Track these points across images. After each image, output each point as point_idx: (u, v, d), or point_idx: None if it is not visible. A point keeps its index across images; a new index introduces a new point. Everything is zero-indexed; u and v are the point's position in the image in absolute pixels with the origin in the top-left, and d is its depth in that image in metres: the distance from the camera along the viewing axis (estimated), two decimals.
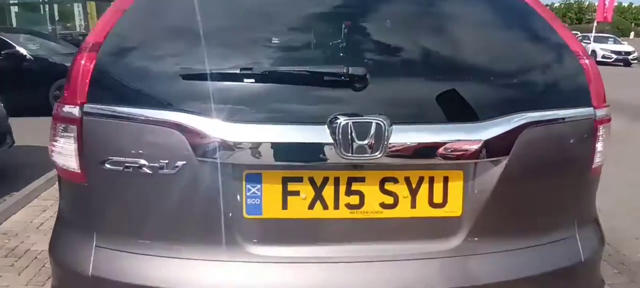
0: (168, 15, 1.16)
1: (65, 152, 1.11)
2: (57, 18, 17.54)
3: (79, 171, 1.11)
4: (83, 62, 1.08)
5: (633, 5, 76.77)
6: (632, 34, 55.08)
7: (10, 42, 6.60)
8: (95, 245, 1.13)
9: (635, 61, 20.81)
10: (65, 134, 1.10)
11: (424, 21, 1.25)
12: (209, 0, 1.18)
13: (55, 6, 18.06)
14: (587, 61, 1.25)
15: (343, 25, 1.18)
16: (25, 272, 2.56)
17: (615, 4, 23.40)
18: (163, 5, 1.18)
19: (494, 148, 1.13)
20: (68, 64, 6.10)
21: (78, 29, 23.06)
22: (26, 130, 4.80)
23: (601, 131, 1.24)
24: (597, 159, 1.26)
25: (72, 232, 1.19)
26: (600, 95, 1.24)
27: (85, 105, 1.08)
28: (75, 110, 1.08)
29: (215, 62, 1.07)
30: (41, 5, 17.82)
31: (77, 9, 24.23)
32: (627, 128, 7.20)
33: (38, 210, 3.37)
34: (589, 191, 1.33)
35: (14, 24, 15.11)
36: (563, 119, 1.20)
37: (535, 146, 1.16)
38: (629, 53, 20.63)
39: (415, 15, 1.25)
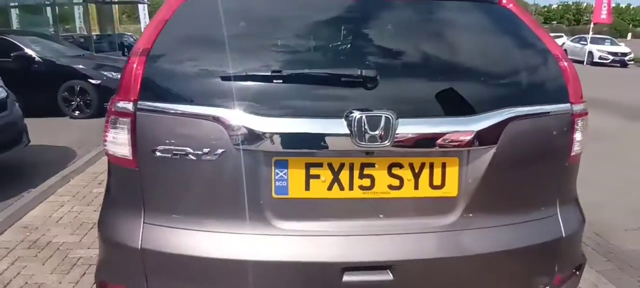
0: (204, 26, 1.34)
1: (119, 142, 1.28)
2: (58, 20, 17.63)
3: (131, 158, 1.28)
4: (135, 65, 1.26)
5: (631, 7, 77.03)
6: (629, 35, 55.31)
7: (19, 44, 6.74)
8: (144, 222, 1.31)
9: (632, 62, 20.96)
10: (120, 126, 1.27)
11: (424, 29, 1.43)
12: (242, 12, 1.36)
13: (57, 8, 18.13)
14: (565, 63, 1.43)
15: (355, 35, 1.37)
16: (48, 261, 2.72)
17: (613, 5, 23.65)
18: (198, 17, 1.35)
19: (484, 138, 1.30)
20: (75, 66, 6.39)
21: (78, 31, 23.14)
22: (37, 130, 4.97)
23: (579, 124, 1.42)
24: (576, 148, 1.44)
25: (122, 211, 1.35)
26: (577, 93, 1.42)
27: (137, 102, 1.25)
28: (129, 106, 1.25)
29: (248, 65, 1.25)
30: (43, 8, 17.89)
31: (78, 11, 24.29)
32: (621, 127, 7.39)
33: (56, 206, 3.53)
34: (569, 176, 1.50)
35: (15, 26, 15.18)
36: (545, 113, 1.37)
37: (520, 136, 1.33)
38: (625, 54, 20.77)
39: (417, 24, 1.42)
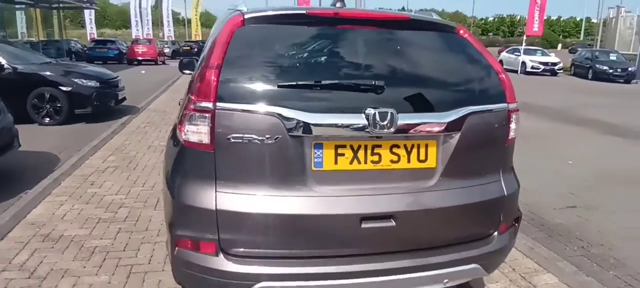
0: (255, 46, 1.80)
1: (201, 132, 1.70)
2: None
3: (209, 143, 1.71)
4: (213, 78, 1.70)
5: (561, 19, 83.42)
6: (559, 45, 60.07)
7: None
8: (216, 191, 1.73)
9: (561, 71, 23.12)
10: (202, 120, 1.69)
11: (411, 51, 1.98)
12: (281, 39, 1.86)
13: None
14: (503, 76, 2.04)
15: (366, 56, 1.91)
16: (67, 251, 2.99)
17: (544, 18, 26.02)
18: (250, 40, 1.82)
19: (452, 127, 1.85)
20: (44, 73, 6.64)
21: (20, 37, 21.98)
22: None
23: (513, 117, 2.02)
24: (511, 134, 2.04)
25: (198, 183, 1.75)
26: (512, 96, 2.03)
27: (216, 102, 1.68)
28: (210, 105, 1.68)
29: (292, 77, 1.73)
30: None
31: (20, 16, 23.04)
32: (550, 127, 8.50)
33: (56, 205, 3.75)
34: (507, 154, 2.09)
35: None
36: (491, 110, 1.96)
37: (475, 126, 1.89)
38: (555, 64, 22.82)
39: (407, 48, 1.97)
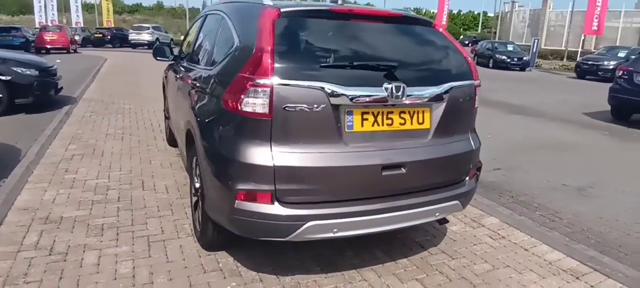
0: (294, 33, 2.24)
1: (261, 103, 2.09)
2: None
3: (268, 112, 2.10)
4: (269, 59, 2.09)
5: (461, 13, 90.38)
6: (461, 37, 65.85)
7: None
8: (272, 150, 2.14)
9: None
10: (262, 93, 2.08)
11: (409, 39, 2.55)
12: (317, 27, 2.30)
13: None
14: (469, 59, 2.70)
15: (381, 44, 2.44)
16: (75, 230, 3.10)
17: (446, 13, 28.62)
18: (289, 28, 2.24)
19: (440, 97, 2.45)
20: None
21: None
22: None
23: (477, 91, 2.69)
24: (476, 103, 2.70)
25: (257, 145, 2.12)
26: (476, 75, 2.68)
27: (272, 78, 2.08)
28: (268, 80, 2.07)
29: (330, 58, 2.19)
30: None
31: None
32: None
33: (40, 191, 3.73)
34: (473, 118, 2.74)
35: None
36: (464, 85, 2.60)
37: (454, 96, 2.51)
38: None
39: (406, 37, 2.54)
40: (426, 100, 2.41)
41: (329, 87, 2.16)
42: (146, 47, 28.77)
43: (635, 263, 3.07)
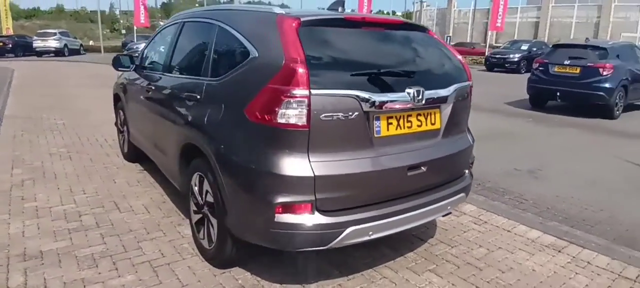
0: (319, 42, 2.25)
1: (298, 114, 2.06)
2: None
3: (306, 123, 2.08)
4: (303, 69, 2.07)
5: (372, 12, 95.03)
6: None
7: None
8: (310, 160, 2.12)
9: None
10: (299, 104, 2.05)
11: (412, 47, 2.68)
12: (338, 35, 2.33)
13: None
14: (463, 62, 2.92)
15: (399, 52, 2.54)
16: (64, 264, 2.77)
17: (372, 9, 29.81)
18: (312, 38, 2.25)
19: (448, 98, 2.63)
20: None
21: None
22: None
23: (471, 90, 2.92)
24: (470, 102, 2.94)
25: (296, 157, 2.10)
26: (470, 75, 2.92)
27: (310, 89, 2.06)
28: (305, 91, 2.05)
29: (359, 66, 2.24)
30: None
31: None
32: None
33: (3, 225, 3.28)
34: (468, 116, 2.97)
35: None
36: (464, 85, 2.80)
37: (457, 97, 2.69)
38: None
39: (410, 45, 2.67)
40: (439, 101, 2.57)
41: (362, 95, 2.22)
42: (53, 54, 26.12)
43: (601, 233, 3.53)
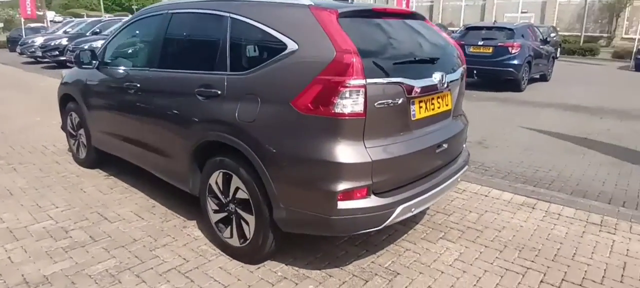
0: (358, 32, 2.32)
1: (356, 103, 2.13)
2: None
3: (363, 112, 2.16)
4: (357, 59, 2.14)
5: None
6: None
7: None
8: (366, 147, 2.22)
9: None
10: (356, 94, 2.12)
11: (425, 35, 2.88)
12: (370, 25, 2.44)
13: None
14: (458, 47, 3.22)
15: (423, 41, 2.71)
16: (79, 285, 2.57)
17: None
18: (352, 28, 2.32)
19: (457, 81, 2.91)
20: None
21: None
22: None
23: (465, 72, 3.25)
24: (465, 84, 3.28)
25: (354, 145, 2.19)
26: (464, 60, 3.23)
27: (365, 79, 2.15)
28: (362, 81, 2.13)
29: (398, 55, 2.39)
30: None
31: None
32: None
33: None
34: (463, 96, 3.33)
35: None
36: (463, 69, 3.10)
37: (460, 80, 2.98)
38: None
39: (422, 33, 2.85)
40: (452, 84, 2.83)
41: (405, 81, 2.37)
42: None
43: (561, 189, 4.15)
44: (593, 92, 10.28)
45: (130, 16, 3.86)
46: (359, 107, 2.21)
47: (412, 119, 2.51)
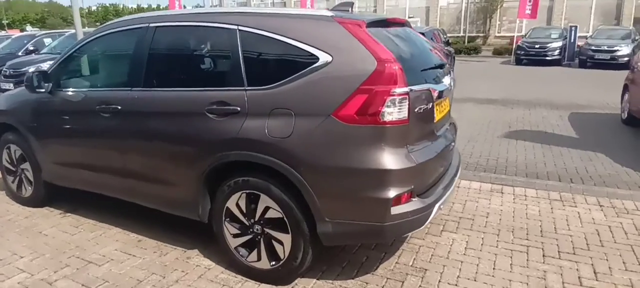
0: (387, 41, 2.41)
1: (402, 110, 2.21)
2: None
3: (407, 118, 2.24)
4: (397, 68, 2.20)
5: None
6: None
7: None
8: (408, 152, 2.31)
9: None
10: (403, 102, 2.19)
11: (428, 46, 3.06)
12: (390, 35, 2.53)
13: None
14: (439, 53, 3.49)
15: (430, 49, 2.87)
16: None
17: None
18: (381, 37, 2.40)
19: (451, 87, 3.15)
20: None
21: None
22: None
23: None
24: None
25: (400, 150, 2.26)
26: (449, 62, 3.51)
27: (408, 87, 2.23)
28: (406, 88, 2.21)
29: (420, 62, 2.52)
30: None
31: None
32: None
33: None
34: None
35: None
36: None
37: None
38: None
39: (426, 45, 3.03)
40: (451, 88, 3.06)
41: (433, 87, 2.52)
42: None
43: (517, 173, 4.67)
44: (494, 86, 11.66)
45: (92, 30, 3.42)
46: (404, 114, 2.29)
47: (435, 121, 2.68)
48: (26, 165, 3.77)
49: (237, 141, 2.54)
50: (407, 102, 2.30)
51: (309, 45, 2.42)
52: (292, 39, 2.47)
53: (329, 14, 2.48)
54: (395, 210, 2.32)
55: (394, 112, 2.26)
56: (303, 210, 2.44)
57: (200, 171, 2.70)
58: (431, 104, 2.53)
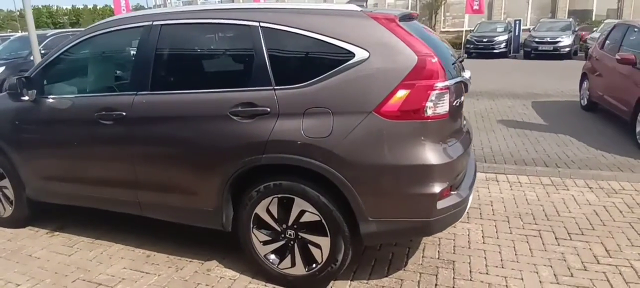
0: (421, 36, 2.40)
1: (443, 105, 2.20)
2: None
3: (448, 112, 2.25)
4: (438, 62, 2.20)
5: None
6: None
7: None
8: (448, 145, 2.32)
9: None
10: (443, 95, 2.20)
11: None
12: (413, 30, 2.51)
13: None
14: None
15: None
16: None
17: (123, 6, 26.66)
18: (410, 30, 2.38)
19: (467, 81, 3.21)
20: None
21: None
22: None
23: None
24: None
25: (441, 144, 2.27)
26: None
27: (447, 81, 2.24)
28: (447, 83, 2.21)
29: (448, 56, 2.52)
30: None
31: None
32: None
33: None
34: None
35: None
36: None
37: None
38: None
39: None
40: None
41: (464, 80, 2.55)
42: None
43: (506, 161, 4.86)
44: None
45: (82, 30, 3.11)
46: (445, 108, 2.30)
47: (462, 114, 2.71)
48: (5, 183, 3.40)
49: (269, 144, 2.43)
50: (448, 96, 2.30)
51: (343, 41, 2.36)
52: (324, 35, 2.39)
53: (360, 9, 2.43)
54: (440, 204, 2.32)
55: (436, 106, 2.26)
56: (343, 211, 2.39)
57: (224, 177, 2.55)
58: (463, 97, 2.56)
